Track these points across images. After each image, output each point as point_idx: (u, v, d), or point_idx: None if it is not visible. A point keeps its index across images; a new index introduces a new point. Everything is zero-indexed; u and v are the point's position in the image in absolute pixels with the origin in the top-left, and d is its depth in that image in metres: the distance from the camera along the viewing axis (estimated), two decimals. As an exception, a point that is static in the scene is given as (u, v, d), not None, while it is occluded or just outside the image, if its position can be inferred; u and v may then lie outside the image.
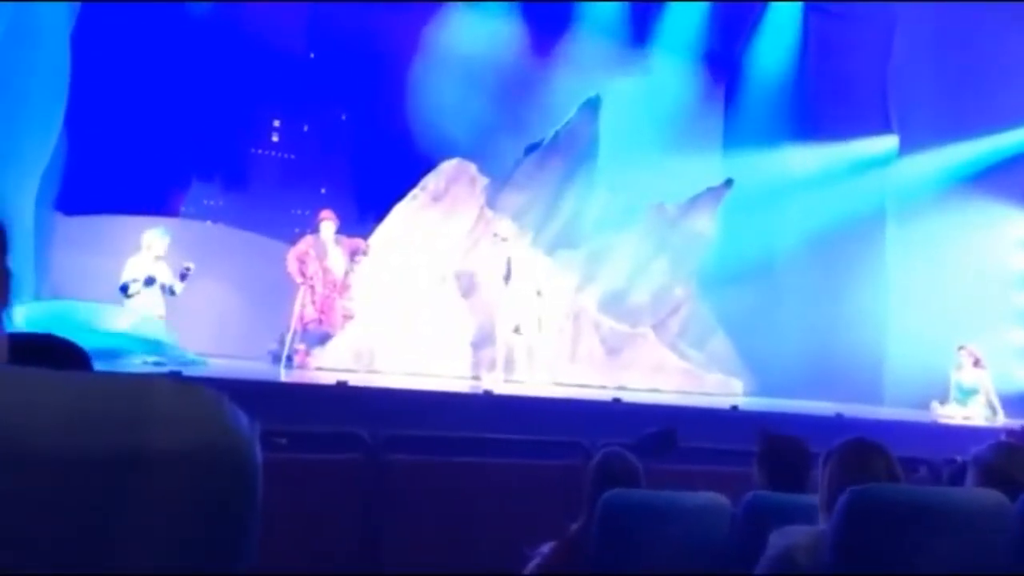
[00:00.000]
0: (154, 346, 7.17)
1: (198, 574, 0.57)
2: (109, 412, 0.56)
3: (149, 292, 7.60)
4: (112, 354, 6.25)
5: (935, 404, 9.15)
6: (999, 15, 10.79)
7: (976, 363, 9.31)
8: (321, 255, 8.52)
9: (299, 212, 10.61)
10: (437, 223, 9.51)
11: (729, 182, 11.14)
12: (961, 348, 9.39)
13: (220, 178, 10.68)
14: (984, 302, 11.10)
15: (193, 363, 7.01)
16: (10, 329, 0.88)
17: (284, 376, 7.35)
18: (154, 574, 0.55)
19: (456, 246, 9.58)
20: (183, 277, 7.85)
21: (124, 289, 7.56)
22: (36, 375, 0.58)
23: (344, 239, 8.78)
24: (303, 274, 8.44)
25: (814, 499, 2.34)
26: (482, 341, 9.32)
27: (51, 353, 1.11)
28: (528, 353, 9.11)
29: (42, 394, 0.56)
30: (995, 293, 11.35)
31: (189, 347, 7.36)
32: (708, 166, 11.99)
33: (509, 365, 8.88)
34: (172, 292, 7.77)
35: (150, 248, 7.73)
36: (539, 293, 9.22)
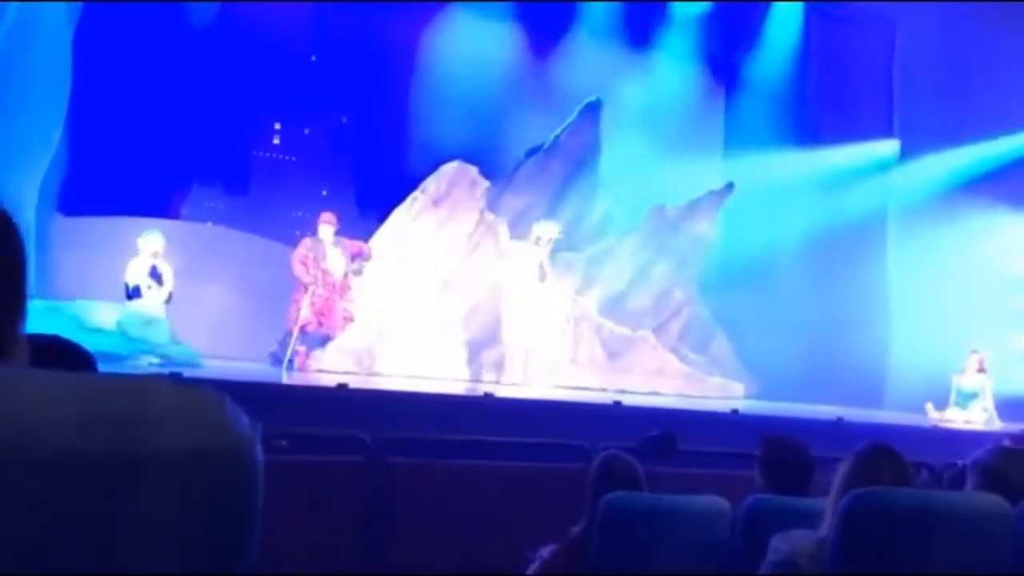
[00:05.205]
0: (153, 346, 7.20)
1: (199, 575, 0.57)
2: (111, 413, 0.56)
3: (150, 293, 7.66)
4: (111, 354, 6.26)
5: (928, 407, 9.14)
6: (1001, 19, 10.79)
7: (980, 368, 9.31)
8: (320, 257, 8.50)
9: (300, 214, 10.59)
10: (438, 226, 9.51)
11: (730, 185, 11.13)
12: (973, 352, 9.40)
13: (221, 180, 10.66)
14: (985, 306, 11.09)
15: (193, 362, 7.02)
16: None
17: (285, 378, 7.35)
18: (155, 574, 0.55)
19: (457, 249, 9.57)
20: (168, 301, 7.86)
21: (130, 293, 7.64)
22: (39, 376, 0.58)
23: (346, 241, 8.76)
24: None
25: (815, 503, 2.34)
26: (483, 344, 9.32)
27: (56, 354, 1.11)
28: (537, 356, 9.25)
29: (45, 395, 0.56)
30: (996, 297, 11.33)
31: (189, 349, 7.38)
32: (709, 169, 11.96)
33: (526, 368, 9.07)
34: (166, 294, 7.79)
35: (147, 250, 7.78)
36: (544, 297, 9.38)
